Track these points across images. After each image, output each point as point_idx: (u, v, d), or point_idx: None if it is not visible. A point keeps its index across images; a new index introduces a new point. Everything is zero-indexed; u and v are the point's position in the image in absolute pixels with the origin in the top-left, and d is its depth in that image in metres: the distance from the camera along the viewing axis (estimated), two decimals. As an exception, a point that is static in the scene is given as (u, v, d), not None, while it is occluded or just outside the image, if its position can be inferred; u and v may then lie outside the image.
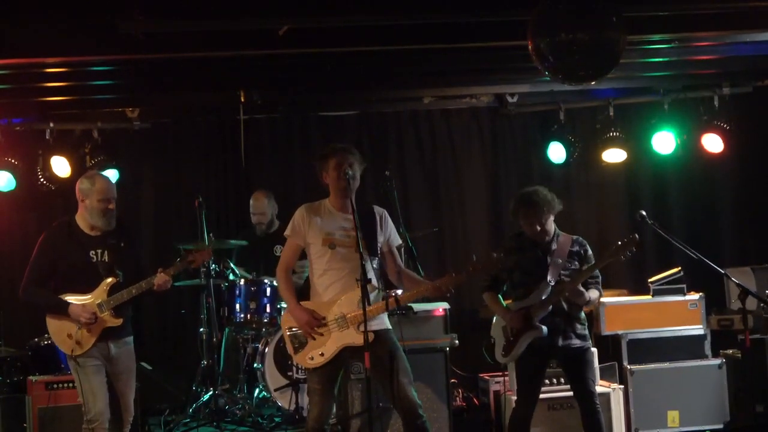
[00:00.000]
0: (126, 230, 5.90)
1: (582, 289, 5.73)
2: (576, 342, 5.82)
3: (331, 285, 5.36)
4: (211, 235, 7.31)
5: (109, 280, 5.68)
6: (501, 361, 6.05)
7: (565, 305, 5.79)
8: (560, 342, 5.79)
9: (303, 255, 5.69)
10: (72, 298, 5.64)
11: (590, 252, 5.92)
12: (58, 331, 5.67)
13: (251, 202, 8.38)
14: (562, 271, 5.78)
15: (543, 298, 5.74)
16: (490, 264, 5.35)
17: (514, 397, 6.75)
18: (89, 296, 5.66)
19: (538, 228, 5.77)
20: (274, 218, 8.37)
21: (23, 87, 7.13)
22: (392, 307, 5.38)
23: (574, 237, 5.92)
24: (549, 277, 5.75)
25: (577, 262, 5.84)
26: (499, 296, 5.99)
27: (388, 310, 5.38)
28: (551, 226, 5.84)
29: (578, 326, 5.85)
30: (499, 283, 5.96)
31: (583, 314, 5.92)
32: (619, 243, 5.70)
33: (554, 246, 5.81)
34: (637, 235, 5.67)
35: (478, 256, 5.38)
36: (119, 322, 5.68)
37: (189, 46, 6.11)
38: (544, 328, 5.72)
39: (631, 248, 5.66)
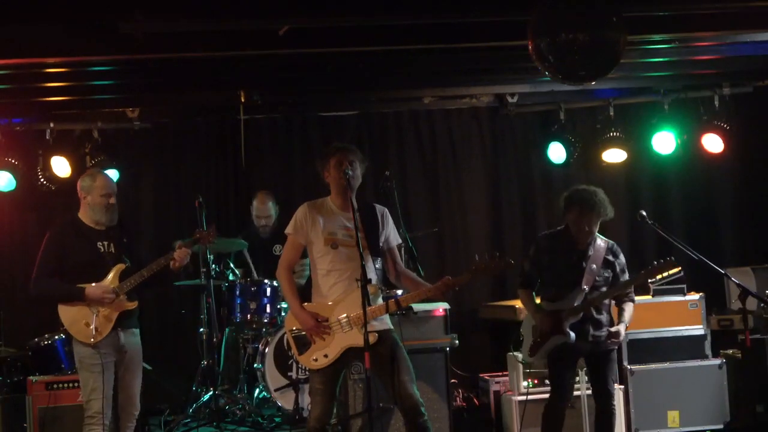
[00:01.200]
0: (127, 228, 5.98)
1: (620, 329, 5.76)
2: (604, 342, 5.80)
3: (335, 285, 5.34)
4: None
5: (117, 267, 5.71)
6: (526, 360, 6.03)
7: (594, 311, 5.76)
8: (588, 346, 5.77)
9: (302, 254, 5.69)
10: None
11: (623, 261, 5.89)
12: (75, 321, 5.64)
13: (255, 204, 8.34)
14: (596, 278, 5.75)
15: (575, 304, 5.71)
16: (492, 265, 5.30)
17: (515, 398, 6.79)
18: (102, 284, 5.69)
19: (587, 229, 5.72)
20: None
21: (23, 87, 7.12)
22: (393, 309, 5.36)
23: (609, 243, 5.86)
24: (583, 284, 5.72)
25: (611, 271, 5.81)
26: (533, 294, 5.94)
27: (390, 312, 5.37)
28: (596, 229, 5.78)
29: (606, 329, 5.81)
30: (532, 281, 5.92)
31: (611, 316, 5.90)
32: (655, 263, 5.67)
33: (591, 251, 5.76)
34: (673, 258, 5.65)
35: (481, 256, 5.34)
36: (134, 304, 5.73)
37: (189, 46, 6.10)
38: (572, 335, 5.69)
39: (667, 271, 5.63)
